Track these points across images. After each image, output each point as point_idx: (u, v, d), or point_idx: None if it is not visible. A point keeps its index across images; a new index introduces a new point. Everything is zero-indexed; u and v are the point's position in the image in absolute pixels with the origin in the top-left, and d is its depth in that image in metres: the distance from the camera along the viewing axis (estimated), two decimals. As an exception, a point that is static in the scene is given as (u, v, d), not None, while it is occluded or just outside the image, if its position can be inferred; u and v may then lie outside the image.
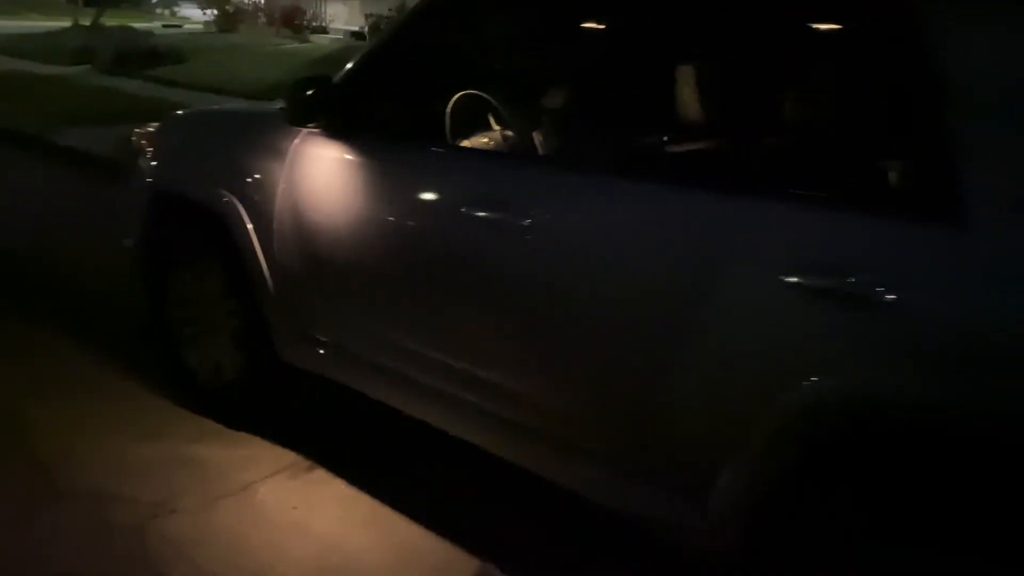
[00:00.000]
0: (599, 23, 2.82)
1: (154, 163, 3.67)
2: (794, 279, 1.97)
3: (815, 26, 2.43)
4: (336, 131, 2.98)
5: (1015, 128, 1.82)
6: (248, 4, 23.54)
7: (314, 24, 21.83)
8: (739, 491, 2.10)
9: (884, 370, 1.87)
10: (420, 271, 2.74)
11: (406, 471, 3.21)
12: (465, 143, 2.99)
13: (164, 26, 23.59)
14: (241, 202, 3.18)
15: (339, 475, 3.15)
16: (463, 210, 2.57)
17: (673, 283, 2.18)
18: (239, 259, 3.20)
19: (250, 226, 3.16)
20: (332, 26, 23.09)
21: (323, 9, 24.15)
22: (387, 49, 3.00)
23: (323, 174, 2.98)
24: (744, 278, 2.06)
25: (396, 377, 2.90)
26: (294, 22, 20.83)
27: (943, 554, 1.83)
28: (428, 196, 2.75)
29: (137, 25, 20.24)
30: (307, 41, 18.95)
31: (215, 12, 22.86)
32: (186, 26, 25.12)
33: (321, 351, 3.12)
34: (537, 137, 2.94)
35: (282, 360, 3.23)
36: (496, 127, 3.07)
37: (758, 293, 2.03)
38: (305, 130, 3.04)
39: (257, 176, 3.16)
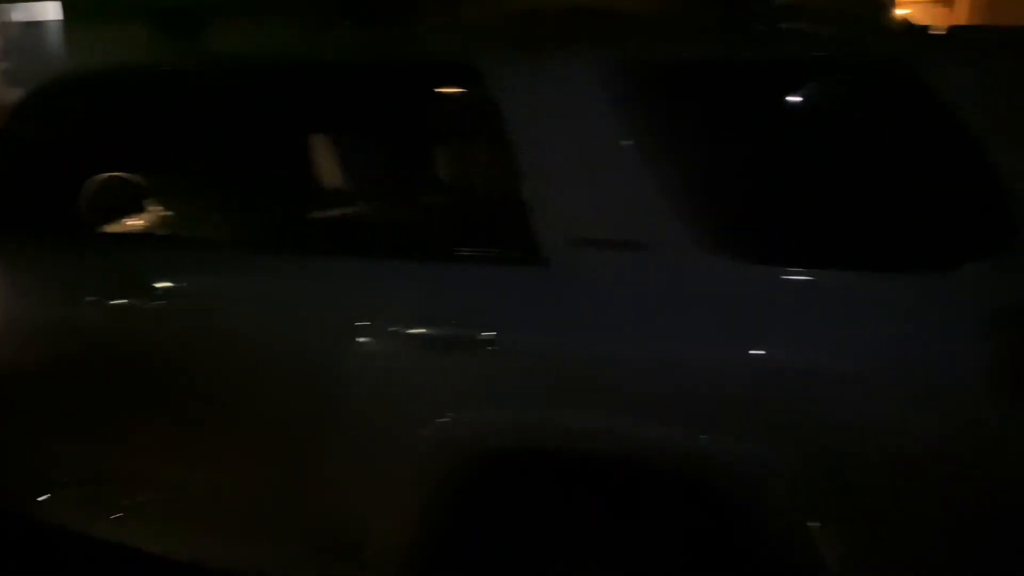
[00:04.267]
0: (225, 101, 2.70)
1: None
2: (412, 331, 2.11)
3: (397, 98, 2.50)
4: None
5: (569, 181, 2.05)
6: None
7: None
8: (403, 536, 2.16)
9: (504, 403, 2.04)
10: (72, 374, 2.56)
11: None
12: (111, 228, 2.81)
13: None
14: None
15: None
16: (105, 301, 2.44)
17: (315, 350, 2.22)
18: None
19: None
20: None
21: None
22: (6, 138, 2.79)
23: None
24: (369, 335, 2.16)
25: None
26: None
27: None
28: (68, 290, 2.56)
29: None
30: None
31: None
32: None
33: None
34: (184, 214, 2.85)
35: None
36: (151, 208, 2.90)
37: (385, 348, 2.15)
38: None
39: None
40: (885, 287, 1.86)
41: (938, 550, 1.86)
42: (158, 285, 2.41)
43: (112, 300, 2.45)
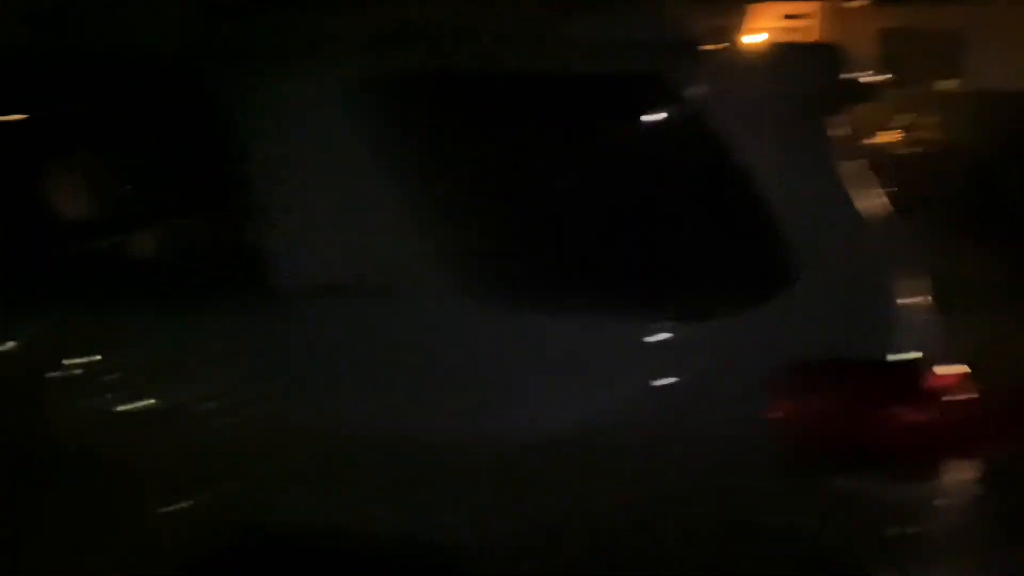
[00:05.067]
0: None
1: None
2: (114, 396, 1.79)
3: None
4: None
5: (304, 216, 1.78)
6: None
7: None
8: None
9: (229, 480, 1.74)
10: None
11: None
12: None
13: None
14: None
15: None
16: None
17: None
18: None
19: None
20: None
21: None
22: None
23: None
24: (60, 396, 1.84)
25: None
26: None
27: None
28: None
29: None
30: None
31: None
32: None
33: None
34: None
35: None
36: None
37: (81, 414, 1.83)
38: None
39: None
40: (646, 336, 1.67)
41: None
42: None
43: None
